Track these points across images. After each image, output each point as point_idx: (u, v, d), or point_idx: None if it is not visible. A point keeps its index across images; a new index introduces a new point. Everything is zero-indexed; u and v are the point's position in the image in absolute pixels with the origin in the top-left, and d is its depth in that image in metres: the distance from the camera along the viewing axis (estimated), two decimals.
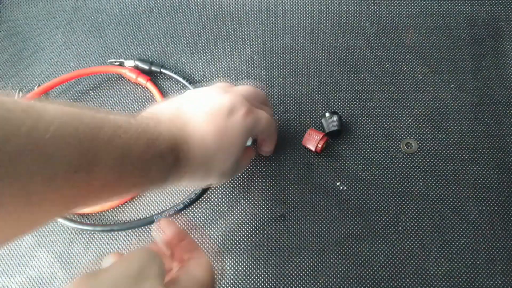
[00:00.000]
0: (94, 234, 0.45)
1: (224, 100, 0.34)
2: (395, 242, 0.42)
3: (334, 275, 0.41)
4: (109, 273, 0.23)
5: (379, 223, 0.43)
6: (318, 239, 0.43)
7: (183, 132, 0.31)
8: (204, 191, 0.45)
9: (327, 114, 0.45)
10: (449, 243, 0.42)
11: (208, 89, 0.36)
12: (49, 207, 0.23)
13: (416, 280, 0.41)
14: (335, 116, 0.45)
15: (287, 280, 0.41)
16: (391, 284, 0.41)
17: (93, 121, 0.25)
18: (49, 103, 0.23)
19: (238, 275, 0.42)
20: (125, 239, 0.45)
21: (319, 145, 0.44)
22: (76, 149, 0.23)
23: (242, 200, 0.45)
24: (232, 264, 0.43)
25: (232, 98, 0.34)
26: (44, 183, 0.21)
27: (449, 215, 0.43)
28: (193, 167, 0.32)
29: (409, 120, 0.47)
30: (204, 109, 0.33)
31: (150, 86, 0.50)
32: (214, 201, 0.45)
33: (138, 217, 0.46)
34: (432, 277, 0.41)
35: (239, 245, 0.43)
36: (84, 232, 0.45)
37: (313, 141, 0.44)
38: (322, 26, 0.53)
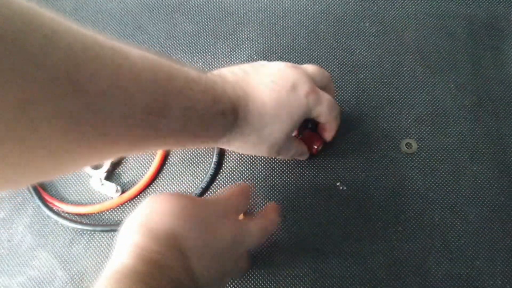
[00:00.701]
0: (94, 234, 0.45)
1: (291, 74, 0.35)
2: (395, 242, 0.42)
3: (334, 275, 0.41)
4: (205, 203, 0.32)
5: (379, 223, 0.43)
6: (318, 239, 0.43)
7: (246, 94, 0.33)
8: (205, 190, 0.45)
9: None
10: (449, 243, 0.42)
11: (278, 63, 0.37)
12: (120, 142, 0.25)
13: (416, 280, 0.41)
14: None
15: (287, 280, 0.42)
16: (391, 284, 0.41)
17: (170, 70, 0.27)
18: (132, 47, 0.25)
19: None
20: None
21: (315, 147, 0.44)
22: (152, 93, 0.24)
23: None
24: None
25: (298, 74, 0.35)
26: (121, 120, 0.23)
27: (448, 215, 0.43)
28: (249, 129, 0.33)
29: (409, 120, 0.47)
30: (270, 77, 0.34)
31: None
32: None
33: None
34: (432, 277, 0.41)
35: None
36: (85, 232, 0.46)
37: (309, 143, 0.44)
38: (322, 26, 0.53)
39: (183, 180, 0.47)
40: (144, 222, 0.29)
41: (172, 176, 0.47)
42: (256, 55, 0.52)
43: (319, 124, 0.42)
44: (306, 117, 0.36)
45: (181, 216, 0.29)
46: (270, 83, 0.34)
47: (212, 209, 0.32)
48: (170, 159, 0.48)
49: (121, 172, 0.48)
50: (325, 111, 0.37)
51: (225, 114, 0.31)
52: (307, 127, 0.44)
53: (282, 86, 0.34)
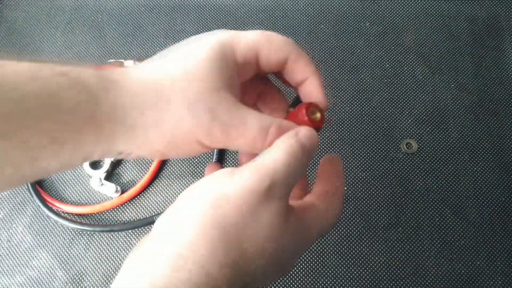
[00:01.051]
0: (94, 234, 0.45)
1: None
2: (395, 242, 0.42)
3: (334, 275, 0.41)
4: (237, 184, 0.20)
5: (379, 223, 0.43)
6: (318, 239, 0.43)
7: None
8: None
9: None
10: (449, 243, 0.42)
11: None
12: None
13: (416, 280, 0.40)
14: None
15: (287, 280, 0.41)
16: (391, 284, 0.40)
17: None
18: None
19: None
20: (125, 239, 0.45)
21: (304, 112, 0.24)
22: None
23: None
24: None
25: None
26: None
27: (449, 215, 0.43)
28: (145, 94, 0.21)
29: (409, 121, 0.47)
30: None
31: None
32: None
33: (138, 217, 0.46)
34: (432, 277, 0.41)
35: None
36: (84, 232, 0.45)
37: (298, 116, 0.25)
38: (322, 26, 0.53)
39: (183, 180, 0.47)
40: (239, 252, 0.20)
41: (172, 177, 0.47)
42: None
43: (297, 83, 0.26)
44: (228, 58, 0.23)
45: (277, 265, 0.21)
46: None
47: (299, 245, 0.23)
48: (170, 159, 0.48)
49: (121, 172, 0.48)
50: (266, 41, 0.24)
51: (81, 80, 0.20)
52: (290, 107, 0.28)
53: (178, 44, 0.24)
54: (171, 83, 0.22)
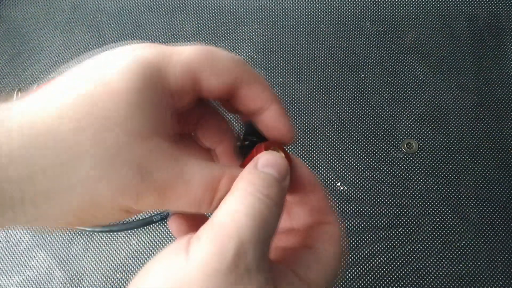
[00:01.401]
0: (93, 234, 0.45)
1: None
2: (395, 242, 0.42)
3: None
4: (195, 263, 0.15)
5: (380, 223, 0.43)
6: None
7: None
8: None
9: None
10: (449, 243, 0.42)
11: None
12: None
13: (416, 281, 0.40)
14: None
15: None
16: (391, 284, 0.40)
17: None
18: None
19: None
20: (124, 239, 0.45)
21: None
22: None
23: None
24: None
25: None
26: None
27: (449, 215, 0.43)
28: (33, 155, 0.15)
29: (410, 120, 0.47)
30: None
31: None
32: None
33: (137, 217, 0.46)
34: (433, 277, 0.40)
35: None
36: (83, 232, 0.45)
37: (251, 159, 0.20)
38: (323, 25, 0.53)
39: None
40: None
41: None
42: (256, 55, 0.52)
43: (251, 112, 0.20)
44: (166, 84, 0.17)
45: None
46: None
47: None
48: None
49: None
50: (208, 61, 0.18)
51: None
52: (246, 142, 0.22)
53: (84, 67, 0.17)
54: (78, 132, 0.15)
